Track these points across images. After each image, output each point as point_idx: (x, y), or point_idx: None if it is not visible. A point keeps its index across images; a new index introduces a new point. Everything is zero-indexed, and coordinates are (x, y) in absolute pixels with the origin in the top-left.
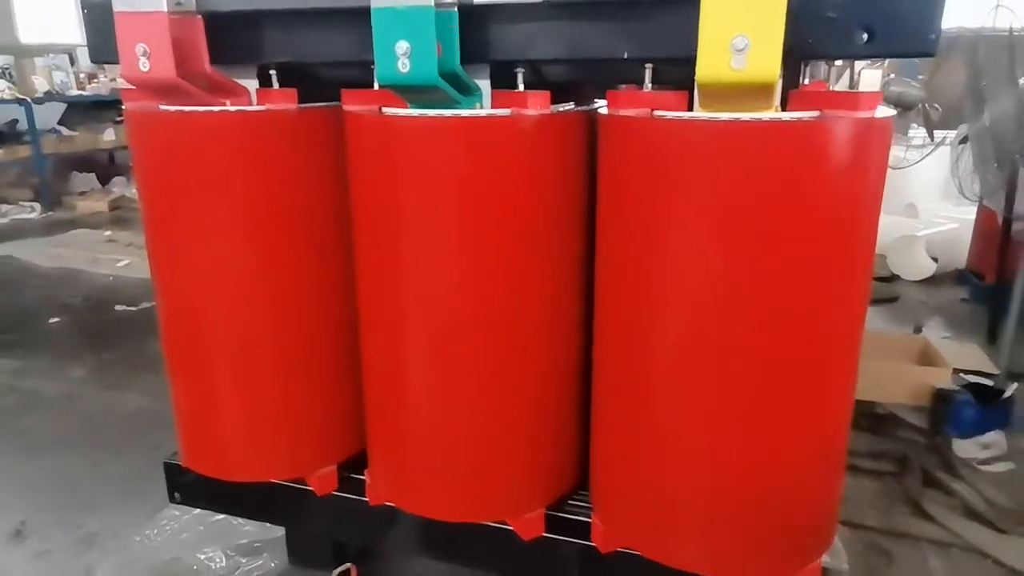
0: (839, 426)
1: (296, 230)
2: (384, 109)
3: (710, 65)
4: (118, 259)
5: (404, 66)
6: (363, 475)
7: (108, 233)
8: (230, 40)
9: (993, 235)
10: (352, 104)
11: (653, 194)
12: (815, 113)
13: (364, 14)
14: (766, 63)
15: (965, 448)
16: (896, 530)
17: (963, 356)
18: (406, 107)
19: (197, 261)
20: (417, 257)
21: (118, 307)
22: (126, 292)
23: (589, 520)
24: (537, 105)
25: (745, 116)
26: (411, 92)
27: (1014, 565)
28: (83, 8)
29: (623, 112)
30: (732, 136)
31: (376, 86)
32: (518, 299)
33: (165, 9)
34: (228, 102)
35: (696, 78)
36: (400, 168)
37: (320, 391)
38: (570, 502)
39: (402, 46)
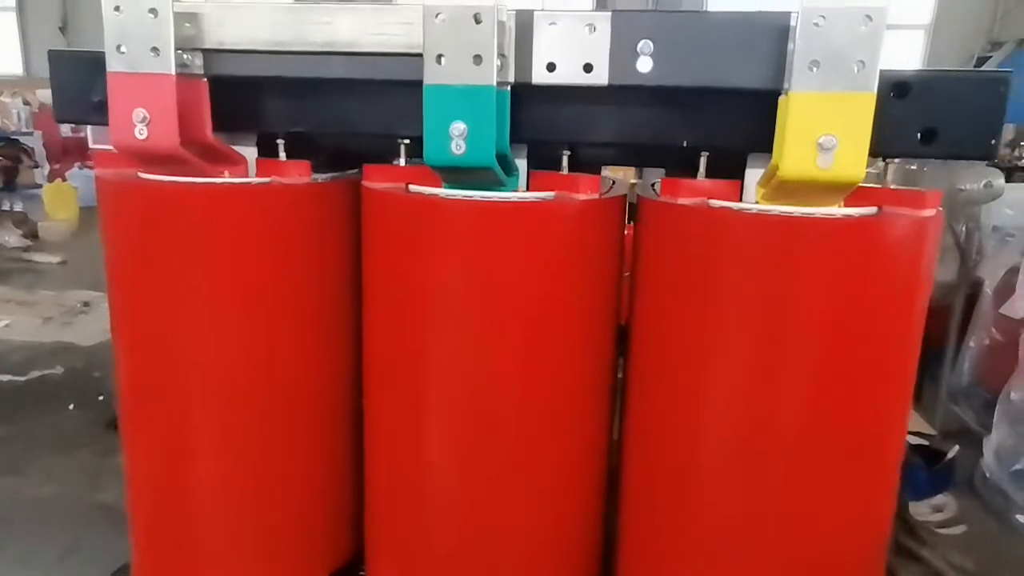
0: (888, 517)
1: (303, 312)
2: (419, 188)
3: (796, 162)
4: None
5: (459, 148)
6: None
7: None
8: (236, 106)
9: None
10: (377, 181)
11: (707, 281)
12: (875, 209)
13: (399, 86)
14: (853, 163)
15: (920, 511)
16: None
17: None
18: (437, 185)
19: (182, 345)
20: (447, 342)
21: (2, 376)
22: (10, 359)
23: None
24: (588, 189)
25: (819, 211)
26: (458, 173)
27: None
28: (50, 60)
29: (681, 201)
30: (800, 228)
31: (402, 161)
32: (558, 383)
33: (173, 72)
34: (227, 172)
35: (780, 174)
36: (438, 249)
37: (315, 491)
38: None
39: (458, 127)
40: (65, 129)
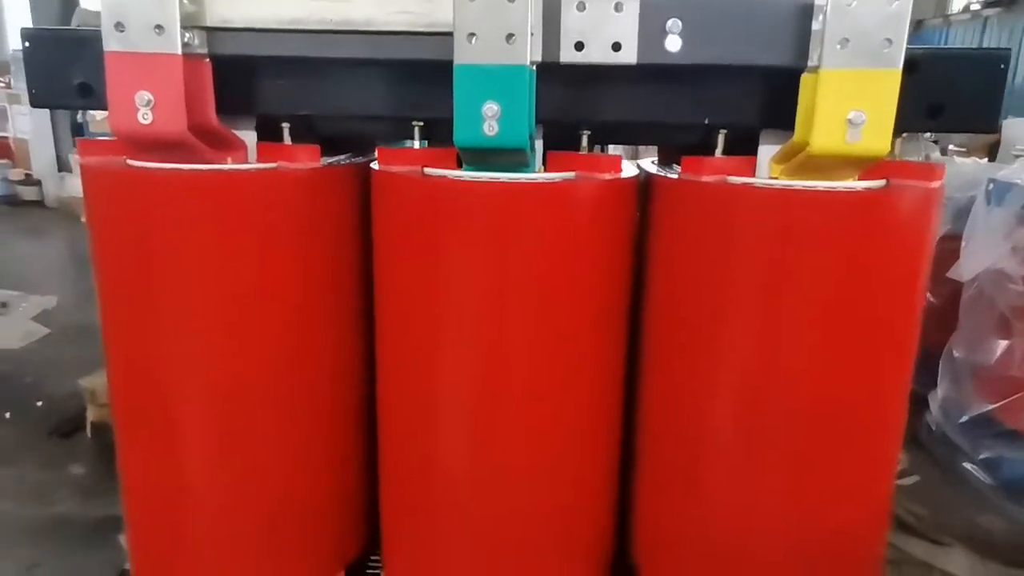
0: (891, 486)
1: (313, 303)
2: (437, 171)
3: (826, 138)
4: None
5: (491, 129)
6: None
7: None
8: (238, 87)
9: None
10: (391, 164)
11: (726, 258)
12: (887, 182)
13: (415, 67)
14: (880, 138)
15: None
16: None
17: None
18: (450, 167)
19: (186, 342)
20: (465, 326)
21: None
22: None
23: None
24: (611, 168)
25: (841, 184)
26: (488, 155)
27: (951, 571)
28: (24, 40)
29: (705, 179)
30: (825, 202)
31: (416, 143)
32: (578, 362)
33: (179, 51)
34: (230, 158)
35: (810, 149)
36: (458, 232)
37: (327, 485)
38: None
39: (492, 108)
40: None
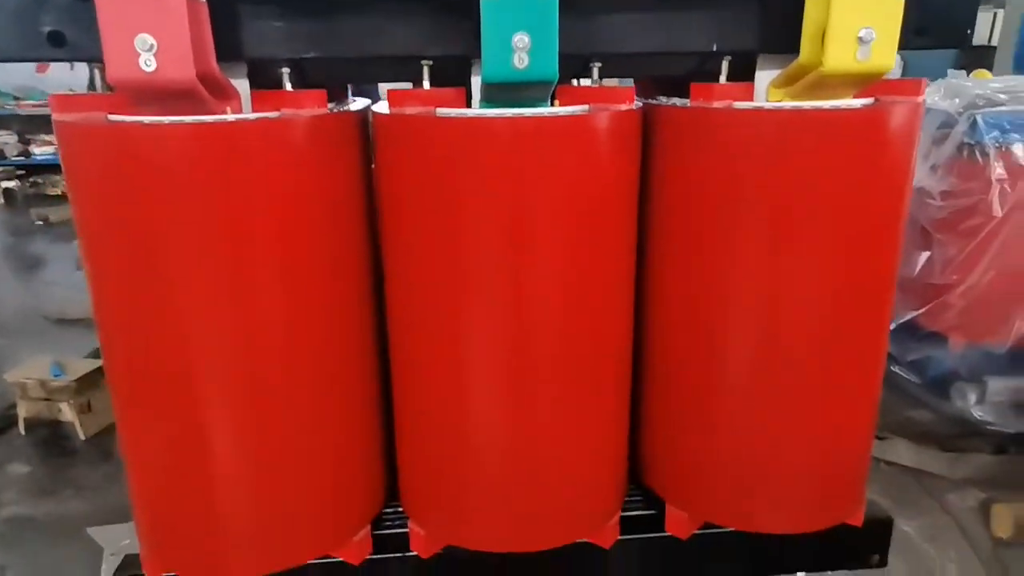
0: (876, 405)
1: (322, 261)
2: (454, 110)
3: (838, 56)
4: None
5: (521, 61)
6: (386, 528)
7: None
8: (231, 31)
9: None
10: (402, 106)
11: (743, 182)
12: (892, 98)
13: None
14: (887, 54)
15: None
16: None
17: None
18: (463, 107)
19: (199, 310)
20: (485, 269)
21: None
22: None
23: (645, 512)
24: (625, 100)
25: (844, 103)
26: (516, 89)
27: (896, 460)
28: None
29: (714, 105)
30: (834, 121)
31: (427, 84)
32: (597, 297)
33: None
34: (229, 108)
35: (823, 68)
36: (478, 173)
37: (348, 441)
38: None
39: (522, 39)
40: None
